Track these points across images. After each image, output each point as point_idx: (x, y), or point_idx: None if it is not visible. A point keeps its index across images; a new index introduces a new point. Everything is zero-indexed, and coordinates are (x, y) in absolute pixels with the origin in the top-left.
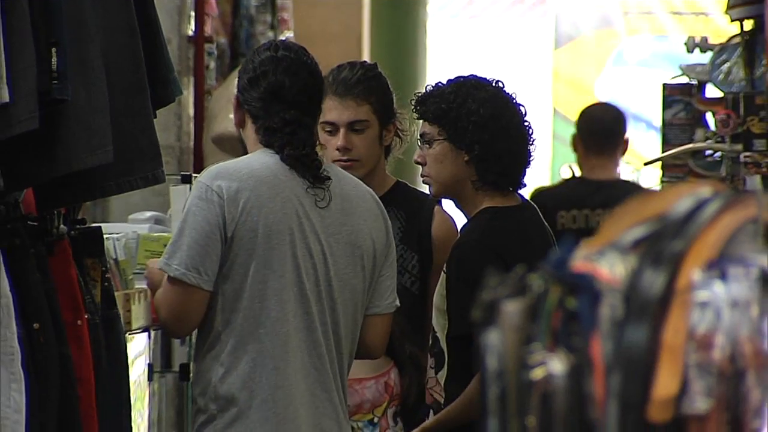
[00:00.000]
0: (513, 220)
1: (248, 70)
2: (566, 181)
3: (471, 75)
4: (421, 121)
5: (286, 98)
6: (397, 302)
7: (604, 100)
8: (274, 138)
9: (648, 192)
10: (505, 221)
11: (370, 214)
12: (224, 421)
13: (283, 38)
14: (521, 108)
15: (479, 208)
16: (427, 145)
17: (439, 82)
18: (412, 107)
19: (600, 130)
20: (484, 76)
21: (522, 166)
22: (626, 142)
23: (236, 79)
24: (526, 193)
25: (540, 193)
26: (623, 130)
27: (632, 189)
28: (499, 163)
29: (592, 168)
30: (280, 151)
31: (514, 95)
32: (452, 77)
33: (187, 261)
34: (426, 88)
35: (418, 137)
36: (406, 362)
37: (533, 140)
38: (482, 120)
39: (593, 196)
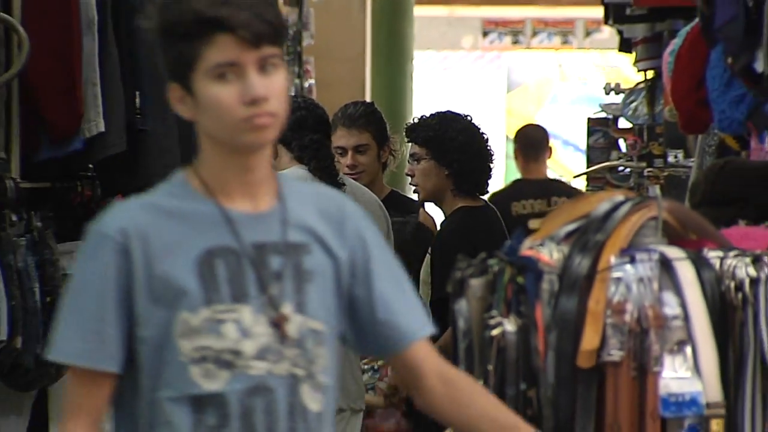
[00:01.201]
0: (480, 218)
1: None
2: (513, 182)
3: (448, 110)
4: (410, 143)
5: (308, 126)
6: None
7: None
8: (305, 152)
9: (571, 192)
10: (475, 218)
11: (375, 216)
12: None
13: (306, 84)
14: (485, 135)
15: (454, 208)
16: (416, 162)
17: (425, 115)
18: (404, 133)
19: (533, 143)
20: (458, 111)
21: (487, 178)
22: (551, 149)
23: None
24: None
25: (497, 193)
26: (548, 141)
27: (560, 184)
28: (471, 176)
29: (530, 171)
30: (308, 162)
31: (480, 126)
32: (434, 111)
33: None
34: (414, 119)
35: (409, 156)
36: None
37: (494, 159)
38: (459, 144)
39: (534, 190)
